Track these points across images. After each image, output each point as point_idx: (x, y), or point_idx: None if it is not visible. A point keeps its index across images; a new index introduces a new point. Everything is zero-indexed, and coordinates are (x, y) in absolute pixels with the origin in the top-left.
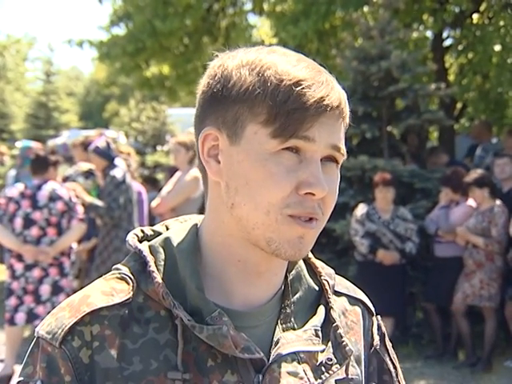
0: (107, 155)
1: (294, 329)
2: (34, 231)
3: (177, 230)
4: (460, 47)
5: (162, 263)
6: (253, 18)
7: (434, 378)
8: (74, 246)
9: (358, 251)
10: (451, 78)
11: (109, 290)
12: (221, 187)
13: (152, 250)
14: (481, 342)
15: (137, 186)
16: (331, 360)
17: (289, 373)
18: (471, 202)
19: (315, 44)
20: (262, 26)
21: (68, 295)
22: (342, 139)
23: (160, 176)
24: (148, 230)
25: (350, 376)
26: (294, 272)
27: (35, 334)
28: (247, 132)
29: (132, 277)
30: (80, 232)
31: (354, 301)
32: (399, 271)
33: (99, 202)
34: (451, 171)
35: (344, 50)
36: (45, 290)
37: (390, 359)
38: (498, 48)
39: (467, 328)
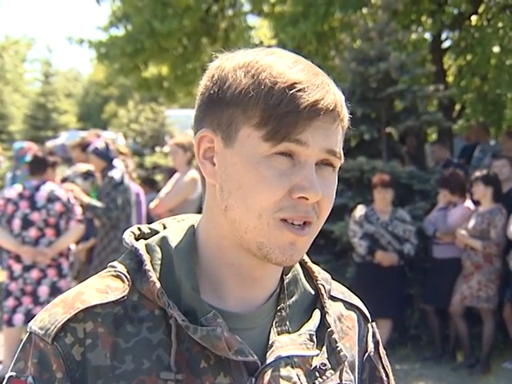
0: (106, 156)
1: (289, 332)
2: (33, 232)
3: (174, 229)
4: (458, 49)
5: (159, 262)
6: (252, 20)
7: (433, 380)
8: (73, 247)
9: (356, 253)
10: (450, 79)
11: (103, 287)
12: (216, 189)
13: (148, 248)
14: (479, 344)
15: (135, 187)
16: (325, 365)
17: (282, 377)
18: (469, 203)
19: (314, 45)
20: (260, 28)
21: None
22: (339, 143)
23: (159, 177)
24: (145, 228)
25: (343, 382)
26: (290, 275)
27: (28, 329)
28: (241, 135)
29: (127, 275)
30: (78, 233)
31: (349, 306)
32: (397, 273)
33: (97, 203)
34: (449, 173)
35: (343, 52)
36: (43, 291)
37: (383, 367)
38: (496, 50)
39: (465, 329)
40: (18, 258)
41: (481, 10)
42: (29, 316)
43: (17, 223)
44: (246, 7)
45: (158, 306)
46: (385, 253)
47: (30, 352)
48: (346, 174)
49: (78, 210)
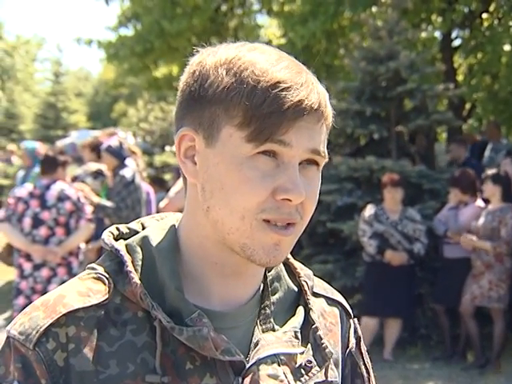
0: (119, 155)
1: (274, 330)
2: (43, 231)
3: (154, 228)
4: (469, 47)
5: (140, 263)
6: (261, 19)
7: (443, 380)
8: (82, 245)
9: (365, 252)
10: (460, 78)
11: (85, 290)
12: (197, 189)
13: (129, 249)
14: (489, 344)
15: (145, 187)
16: (311, 362)
17: (269, 375)
18: (480, 202)
19: (323, 44)
20: (270, 27)
21: None
22: (323, 142)
23: (168, 176)
24: (123, 228)
25: (329, 379)
26: (273, 272)
27: (6, 333)
28: (223, 134)
29: (109, 277)
30: (88, 232)
31: (332, 302)
32: (407, 272)
33: (107, 203)
34: (460, 172)
35: (352, 51)
36: (53, 289)
37: (364, 363)
38: (507, 48)
39: (476, 329)
40: (28, 257)
41: (491, 8)
42: None
43: (27, 222)
44: (256, 6)
45: (142, 308)
46: (395, 252)
47: (12, 357)
48: (356, 173)
49: (88, 209)
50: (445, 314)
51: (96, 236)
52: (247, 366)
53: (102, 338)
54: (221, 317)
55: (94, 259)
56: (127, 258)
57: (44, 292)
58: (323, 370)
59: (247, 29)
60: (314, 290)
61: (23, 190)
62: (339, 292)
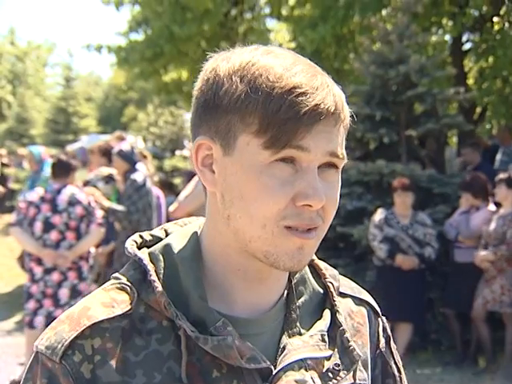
0: (130, 159)
1: (300, 334)
2: (54, 235)
3: (177, 235)
4: (479, 51)
5: (162, 271)
6: (271, 23)
7: None
8: (93, 250)
9: (376, 256)
10: (470, 82)
11: (109, 301)
12: (216, 197)
13: (152, 257)
14: (501, 349)
15: (155, 191)
16: (339, 366)
17: (296, 381)
18: (492, 207)
19: (333, 48)
20: (279, 31)
21: None
22: (341, 144)
23: (178, 180)
24: (147, 236)
25: (357, 381)
26: (297, 275)
27: (34, 349)
28: (239, 143)
29: (132, 287)
30: (98, 236)
31: (359, 302)
32: (418, 276)
33: (118, 207)
34: (471, 176)
35: (362, 55)
36: (64, 293)
37: (395, 363)
38: None
39: (487, 334)
40: (39, 261)
41: (502, 11)
42: (49, 318)
43: (38, 226)
44: (265, 10)
45: (166, 317)
46: (405, 256)
47: (38, 372)
48: (366, 177)
49: (99, 214)
50: (455, 319)
51: (106, 240)
52: (274, 372)
53: (128, 348)
54: (245, 323)
55: (104, 263)
56: (150, 266)
57: (54, 296)
58: (351, 373)
59: (257, 33)
60: (341, 290)
61: (34, 195)
62: (366, 291)
